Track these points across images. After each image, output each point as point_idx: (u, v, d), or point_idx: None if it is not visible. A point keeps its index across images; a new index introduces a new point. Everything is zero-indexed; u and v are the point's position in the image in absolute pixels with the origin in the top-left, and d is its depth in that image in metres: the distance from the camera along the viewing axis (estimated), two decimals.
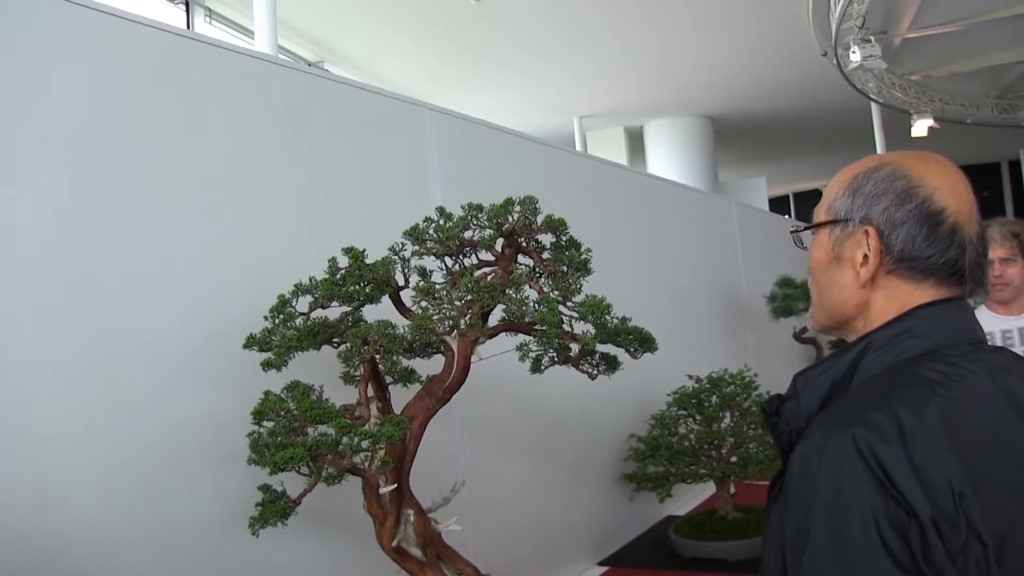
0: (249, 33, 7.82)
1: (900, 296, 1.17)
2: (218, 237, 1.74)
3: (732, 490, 3.02)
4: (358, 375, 1.55)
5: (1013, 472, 0.98)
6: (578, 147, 11.58)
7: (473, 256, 1.62)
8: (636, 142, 13.26)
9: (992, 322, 3.05)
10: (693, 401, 3.00)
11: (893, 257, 1.16)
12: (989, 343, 3.38)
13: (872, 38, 8.92)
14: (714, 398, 2.99)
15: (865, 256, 1.17)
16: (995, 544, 0.92)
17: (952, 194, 1.16)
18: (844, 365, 1.16)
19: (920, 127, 11.79)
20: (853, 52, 8.98)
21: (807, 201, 21.17)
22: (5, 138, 1.41)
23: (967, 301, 1.20)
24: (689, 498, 3.67)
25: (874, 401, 1.03)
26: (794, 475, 1.03)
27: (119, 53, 1.61)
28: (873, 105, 11.77)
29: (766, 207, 12.93)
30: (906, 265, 1.16)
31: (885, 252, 1.16)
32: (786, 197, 21.38)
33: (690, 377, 3.10)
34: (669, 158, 12.61)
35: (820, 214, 1.26)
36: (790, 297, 4.82)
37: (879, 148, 12.14)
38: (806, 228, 1.28)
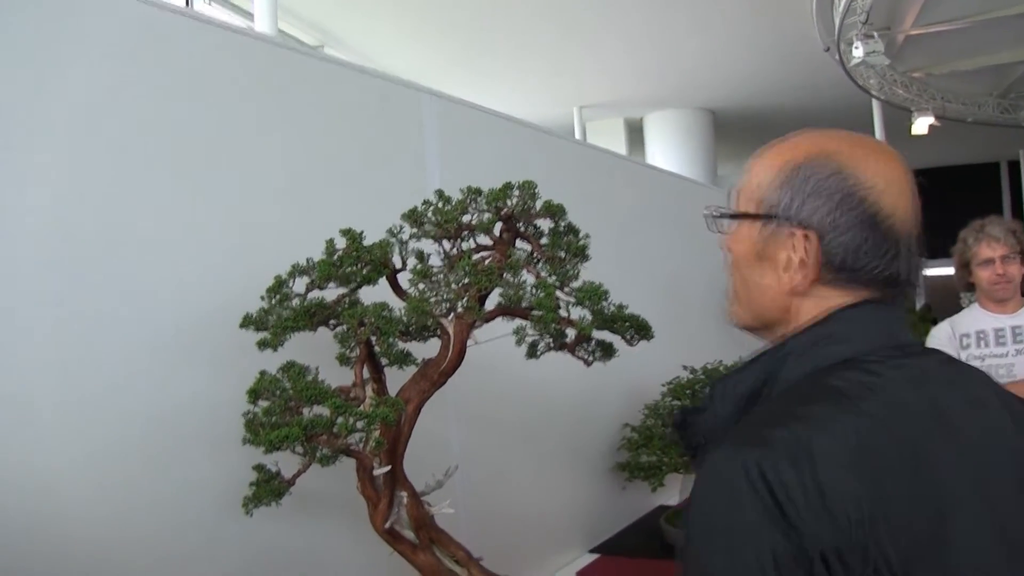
0: (249, 16, 7.78)
1: (830, 304, 1.04)
2: (215, 217, 1.74)
3: None
4: (354, 356, 1.55)
5: (926, 489, 0.88)
6: (577, 138, 11.56)
7: (471, 240, 1.62)
8: (636, 134, 13.23)
9: (985, 320, 3.06)
10: (687, 392, 3.00)
11: (832, 267, 1.02)
12: (981, 342, 3.34)
13: (875, 34, 8.90)
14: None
15: (796, 259, 1.04)
16: (903, 570, 0.83)
17: (899, 196, 1.03)
18: (761, 373, 1.05)
19: (921, 125, 11.77)
20: (856, 48, 8.96)
21: None
22: (6, 120, 1.41)
23: (894, 302, 1.07)
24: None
25: (779, 418, 0.92)
26: (692, 496, 0.92)
27: (117, 32, 1.61)
28: (874, 102, 11.74)
29: None
30: (844, 276, 1.03)
31: (824, 261, 1.02)
32: None
33: (685, 368, 3.10)
34: (669, 150, 12.58)
35: (744, 200, 1.12)
36: None
37: None
38: (729, 216, 1.13)
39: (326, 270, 1.54)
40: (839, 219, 1.01)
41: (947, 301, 4.93)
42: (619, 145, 12.71)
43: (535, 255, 1.59)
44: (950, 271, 3.40)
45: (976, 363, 3.04)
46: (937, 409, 0.94)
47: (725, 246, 1.16)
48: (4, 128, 1.40)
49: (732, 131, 13.64)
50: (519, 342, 1.57)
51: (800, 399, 0.95)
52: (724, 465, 0.90)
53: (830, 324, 1.02)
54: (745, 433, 0.94)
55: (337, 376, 1.54)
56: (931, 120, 11.79)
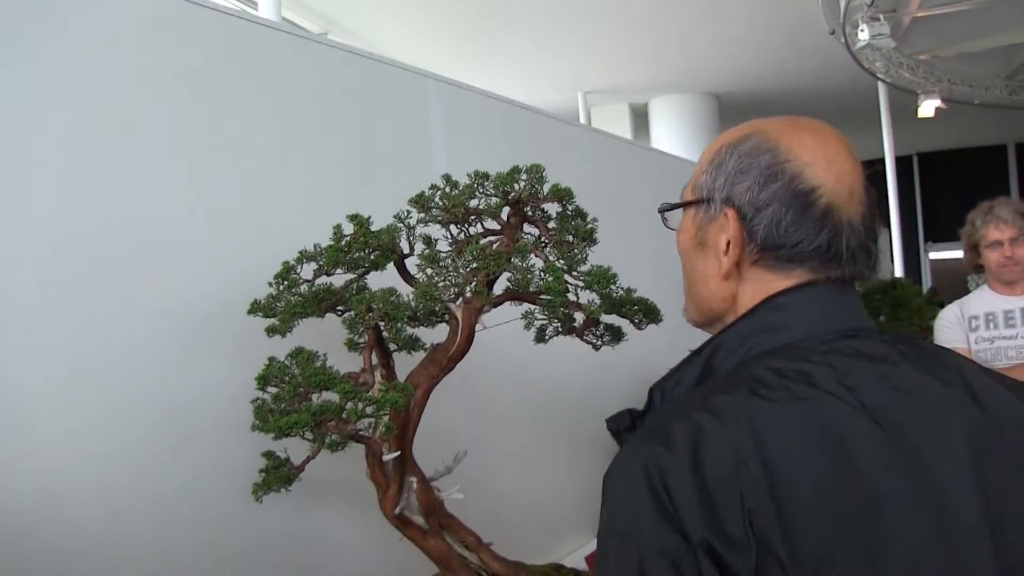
0: (253, 4, 7.76)
1: (770, 288, 1.00)
2: (221, 204, 1.74)
3: None
4: (362, 342, 1.55)
5: (844, 479, 0.81)
6: (582, 123, 11.52)
7: (478, 225, 1.62)
8: (640, 119, 13.19)
9: (994, 302, 3.05)
10: None
11: (757, 245, 0.99)
12: (990, 323, 3.32)
13: (881, 16, 8.84)
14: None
15: (724, 241, 1.01)
16: (805, 570, 0.77)
17: (828, 170, 0.98)
18: (696, 371, 1.01)
19: (927, 108, 11.70)
20: (861, 30, 8.90)
21: None
22: (7, 111, 1.40)
23: (843, 282, 1.01)
24: None
25: (685, 409, 0.89)
26: (603, 491, 0.91)
27: (120, 20, 1.60)
28: (880, 85, 11.68)
29: None
30: (772, 254, 0.99)
31: (748, 239, 0.99)
32: None
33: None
34: (674, 136, 12.52)
35: (688, 191, 1.10)
36: None
37: (885, 128, 12.05)
38: (671, 208, 1.12)
39: (334, 256, 1.53)
40: (758, 194, 0.98)
41: (954, 285, 4.92)
42: (624, 131, 12.67)
43: (543, 239, 1.58)
44: (956, 254, 3.39)
45: (985, 345, 3.03)
46: (872, 394, 0.87)
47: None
48: (9, 117, 1.40)
49: (737, 116, 13.53)
50: (527, 326, 1.57)
51: (713, 390, 0.92)
52: (624, 459, 0.88)
53: (762, 312, 0.99)
54: (650, 427, 0.92)
55: (345, 363, 1.53)
56: (938, 103, 11.72)
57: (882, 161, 12.15)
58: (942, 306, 3.34)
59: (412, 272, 1.60)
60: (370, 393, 1.44)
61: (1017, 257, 3.03)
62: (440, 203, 1.57)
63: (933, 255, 18.57)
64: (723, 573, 0.78)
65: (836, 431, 0.84)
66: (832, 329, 0.96)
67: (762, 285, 1.00)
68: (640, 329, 1.61)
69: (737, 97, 12.92)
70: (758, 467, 0.81)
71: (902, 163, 15.51)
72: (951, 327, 3.17)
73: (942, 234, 17.50)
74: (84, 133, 1.51)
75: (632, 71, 11.58)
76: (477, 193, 1.57)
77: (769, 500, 0.79)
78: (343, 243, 1.55)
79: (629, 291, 1.56)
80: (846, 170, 0.99)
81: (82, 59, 1.52)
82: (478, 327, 1.55)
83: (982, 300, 3.13)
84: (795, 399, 0.86)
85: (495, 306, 1.56)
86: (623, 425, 1.08)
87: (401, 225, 1.60)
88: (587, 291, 1.52)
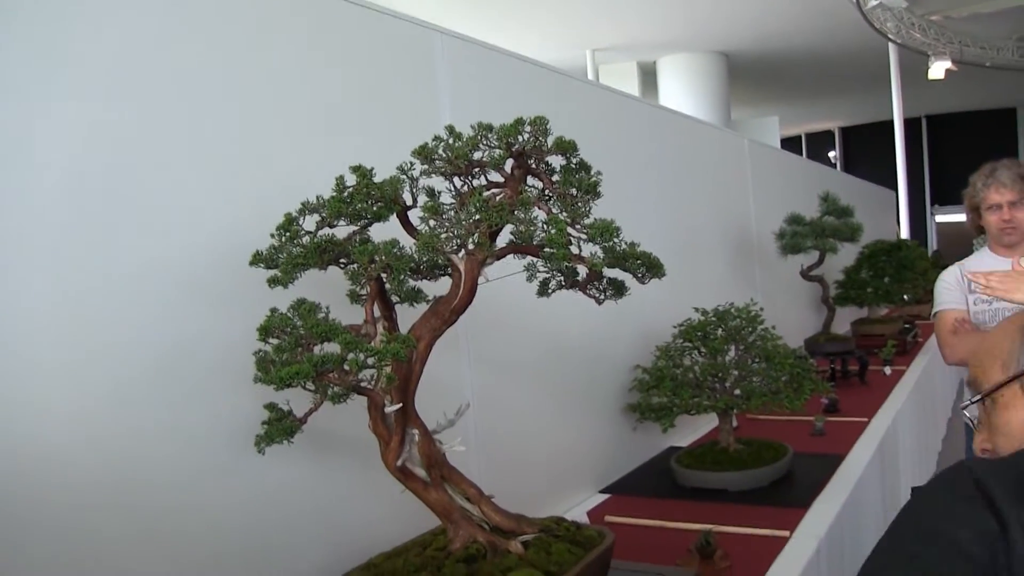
0: None
1: None
2: (225, 155, 1.73)
3: (734, 423, 3.03)
4: (364, 294, 1.55)
5: None
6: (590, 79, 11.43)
7: (482, 177, 1.60)
8: (649, 78, 13.10)
9: (995, 264, 3.04)
10: (699, 334, 2.99)
11: None
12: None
13: None
14: (720, 331, 2.99)
15: None
16: None
17: None
18: None
19: (937, 69, 11.60)
20: None
21: (819, 142, 20.97)
22: (29, 70, 1.39)
23: None
24: (692, 430, 3.70)
25: None
26: None
27: None
28: (890, 46, 11.57)
29: (778, 146, 12.80)
30: None
31: None
32: (798, 137, 21.17)
33: (696, 309, 3.09)
34: (682, 94, 12.45)
35: (992, 376, 1.27)
36: (799, 235, 4.79)
37: (894, 90, 11.95)
38: (984, 396, 1.29)
39: (336, 207, 1.52)
40: None
41: (959, 248, 4.90)
42: (632, 89, 12.58)
43: (546, 192, 1.57)
44: (963, 217, 3.38)
45: (984, 307, 3.03)
46: None
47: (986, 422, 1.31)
48: (22, 71, 1.38)
49: (746, 75, 13.48)
50: (530, 279, 1.57)
51: None
52: None
53: None
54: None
55: (348, 317, 1.53)
56: (948, 64, 11.62)
57: (891, 123, 12.05)
58: (945, 268, 3.33)
59: (415, 224, 1.59)
60: (372, 344, 1.44)
61: (1016, 221, 3.04)
62: (443, 155, 1.56)
63: (939, 218, 18.51)
64: None
65: None
66: None
67: None
68: (643, 283, 1.61)
69: (746, 56, 12.80)
70: None
71: (911, 125, 15.41)
72: (951, 289, 3.16)
73: (949, 197, 17.43)
74: (91, 85, 1.49)
75: (641, 29, 11.47)
76: (481, 145, 1.56)
77: None
78: (346, 194, 1.54)
79: (632, 245, 1.55)
80: None
81: (95, 11, 1.50)
82: (481, 280, 1.55)
83: (983, 262, 3.12)
84: None
85: (498, 258, 1.55)
86: None
87: (404, 177, 1.59)
88: (590, 244, 1.51)
